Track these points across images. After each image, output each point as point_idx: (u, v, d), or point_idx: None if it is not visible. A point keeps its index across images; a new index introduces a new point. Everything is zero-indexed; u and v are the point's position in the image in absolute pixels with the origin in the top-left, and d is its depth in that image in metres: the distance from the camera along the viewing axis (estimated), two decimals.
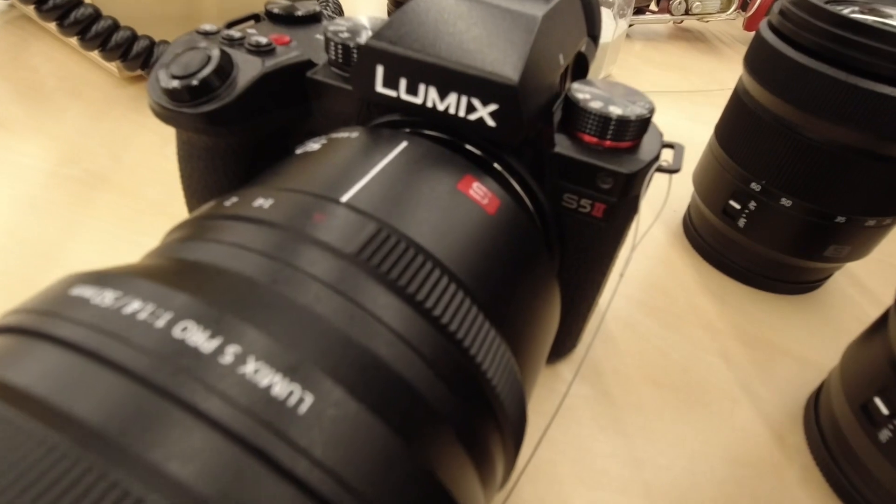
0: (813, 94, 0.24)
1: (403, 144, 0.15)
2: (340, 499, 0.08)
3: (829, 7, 0.24)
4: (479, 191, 0.15)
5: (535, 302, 0.15)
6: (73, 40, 0.34)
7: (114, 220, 0.30)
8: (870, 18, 0.25)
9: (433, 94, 0.16)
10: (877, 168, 0.25)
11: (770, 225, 0.28)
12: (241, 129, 0.20)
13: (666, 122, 0.47)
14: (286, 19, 0.24)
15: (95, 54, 0.35)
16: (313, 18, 0.24)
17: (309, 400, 0.09)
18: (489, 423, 0.13)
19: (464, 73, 0.15)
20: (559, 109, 0.19)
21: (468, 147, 0.17)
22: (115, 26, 0.34)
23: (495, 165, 0.18)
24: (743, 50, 0.61)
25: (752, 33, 0.60)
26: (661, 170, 0.18)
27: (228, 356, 0.08)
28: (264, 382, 0.08)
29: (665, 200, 0.19)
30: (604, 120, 0.18)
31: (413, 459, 0.10)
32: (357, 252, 0.12)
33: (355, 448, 0.09)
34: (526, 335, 0.15)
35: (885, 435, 0.19)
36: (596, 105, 0.18)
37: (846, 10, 0.25)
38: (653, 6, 0.63)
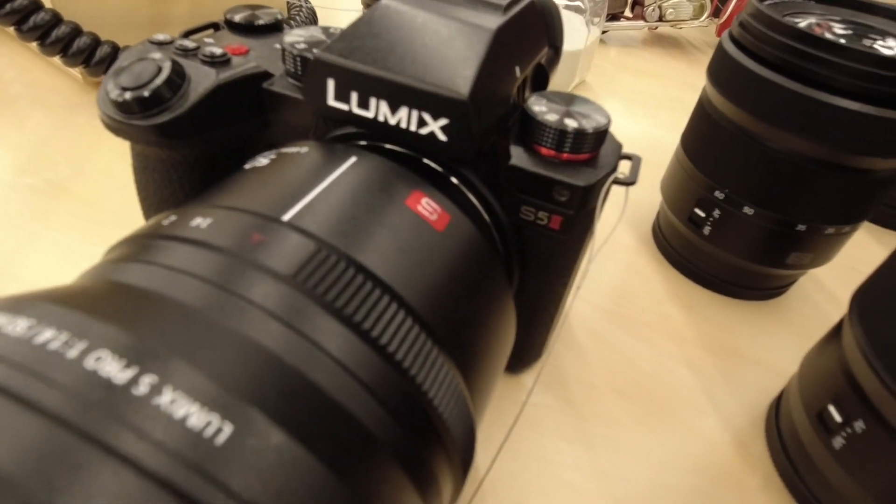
0: (772, 106, 0.25)
1: (352, 160, 0.15)
2: None
3: (787, 20, 0.24)
4: (429, 207, 0.15)
5: (487, 319, 0.15)
6: (34, 45, 0.33)
7: (73, 232, 0.29)
8: (830, 33, 0.26)
9: (384, 108, 0.16)
10: (836, 178, 0.25)
11: (733, 233, 0.28)
12: (195, 141, 0.19)
13: (639, 130, 0.48)
14: (246, 28, 0.23)
15: (58, 60, 0.34)
16: (274, 28, 0.24)
17: (228, 430, 0.08)
18: (436, 449, 0.13)
19: (413, 87, 0.15)
20: (517, 122, 0.19)
21: (425, 161, 0.17)
22: (77, 31, 0.33)
23: (452, 179, 0.18)
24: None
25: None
26: (617, 182, 0.18)
27: (143, 387, 0.08)
28: (180, 413, 0.08)
29: (623, 210, 0.19)
30: (560, 133, 0.18)
31: (347, 493, 0.10)
32: (295, 273, 0.11)
33: (279, 481, 0.09)
34: (476, 354, 0.15)
35: (838, 442, 0.19)
36: (552, 118, 0.18)
37: (804, 23, 0.26)
38: (627, 13, 0.64)
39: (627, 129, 0.47)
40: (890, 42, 0.25)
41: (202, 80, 0.19)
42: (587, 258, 0.20)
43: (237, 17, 0.24)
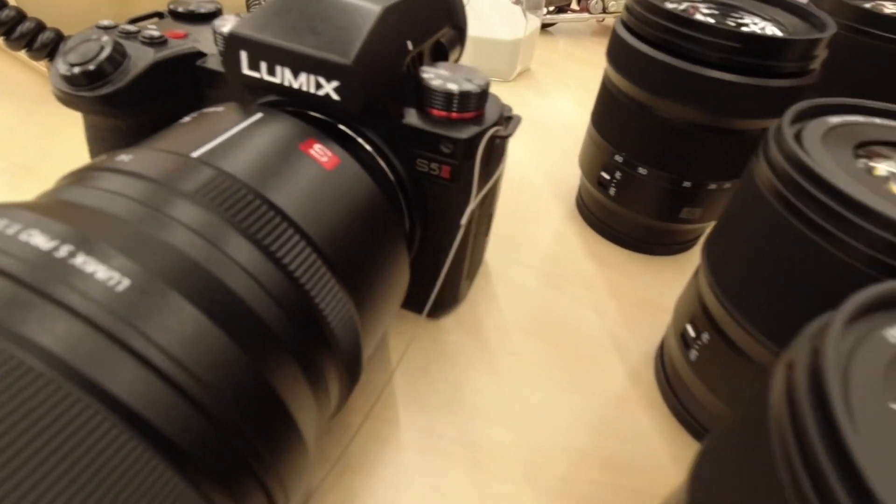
0: (655, 79, 0.28)
1: (259, 115, 0.18)
2: (148, 351, 0.11)
3: (660, 3, 0.28)
4: (321, 151, 0.18)
5: (374, 247, 0.18)
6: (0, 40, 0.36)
7: None
8: (699, 14, 0.29)
9: (288, 74, 0.19)
10: (713, 139, 0.29)
11: (633, 192, 0.32)
12: (137, 111, 0.22)
13: (576, 113, 0.51)
14: (188, 17, 0.27)
15: (23, 54, 0.37)
16: (213, 16, 0.27)
17: (126, 283, 0.12)
18: (326, 355, 0.16)
19: (309, 55, 0.18)
20: (413, 88, 0.22)
21: (328, 119, 0.21)
22: (41, 27, 0.36)
23: (350, 133, 0.21)
24: None
25: None
26: (496, 136, 0.22)
27: (62, 252, 0.11)
28: (89, 269, 0.11)
29: (501, 167, 0.23)
30: (447, 95, 0.21)
31: (250, 366, 0.13)
32: (200, 194, 0.15)
33: (188, 337, 0.12)
34: (363, 277, 0.18)
35: (693, 354, 0.23)
36: (438, 83, 0.21)
37: (678, 7, 0.30)
38: (574, 5, 0.67)
39: (567, 112, 0.50)
40: (747, 19, 0.29)
41: (141, 57, 0.22)
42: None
43: (180, 8, 0.27)
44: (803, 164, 0.17)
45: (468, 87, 0.21)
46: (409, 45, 0.22)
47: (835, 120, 0.20)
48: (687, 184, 0.30)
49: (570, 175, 0.40)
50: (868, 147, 0.19)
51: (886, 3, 0.38)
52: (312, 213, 0.16)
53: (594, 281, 0.33)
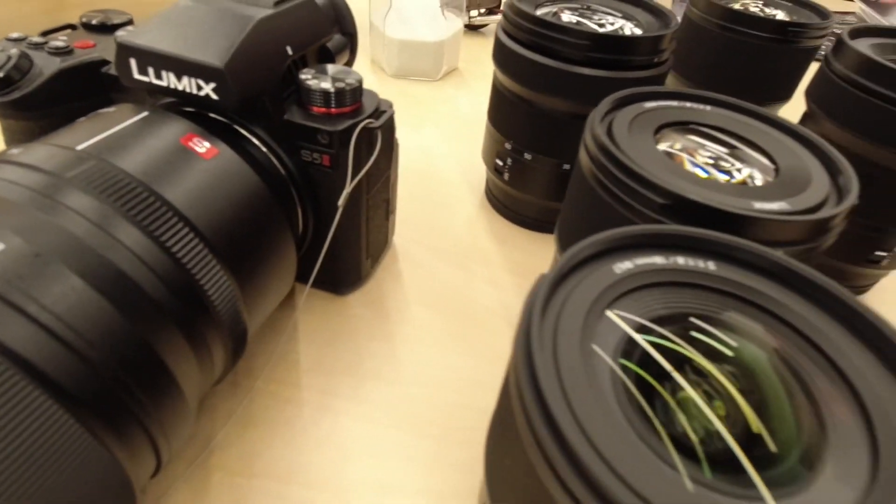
0: (531, 76, 0.32)
1: (144, 114, 0.21)
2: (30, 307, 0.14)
3: (530, 10, 0.31)
4: (199, 143, 0.21)
5: (251, 225, 0.21)
6: None
7: None
8: (564, 17, 0.33)
9: (172, 77, 0.22)
10: (582, 126, 0.32)
11: (523, 176, 0.35)
12: (47, 113, 0.25)
13: None
14: (99, 28, 0.29)
15: None
16: (124, 27, 0.30)
17: (13, 253, 0.14)
18: (207, 322, 0.19)
19: (188, 60, 0.21)
20: (296, 89, 0.25)
21: (218, 117, 0.23)
22: None
23: (241, 131, 0.24)
24: None
25: None
26: (367, 127, 0.25)
27: None
28: None
29: (374, 154, 0.26)
30: (323, 93, 0.24)
31: (132, 332, 0.16)
32: (78, 177, 0.17)
33: (70, 302, 0.15)
34: (243, 254, 0.21)
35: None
36: (314, 83, 0.24)
37: (544, 12, 0.33)
38: (503, 7, 0.71)
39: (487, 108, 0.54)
40: (608, 19, 0.33)
41: (47, 66, 0.24)
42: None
43: (93, 20, 0.29)
44: (601, 142, 0.21)
45: (341, 85, 0.24)
46: (289, 51, 0.25)
47: (649, 105, 0.24)
48: (566, 166, 0.34)
49: (483, 166, 0.43)
50: (664, 128, 0.23)
51: (750, 3, 0.43)
52: (189, 196, 0.19)
53: (494, 259, 0.36)
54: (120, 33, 0.25)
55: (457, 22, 0.56)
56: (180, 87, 0.22)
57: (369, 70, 0.58)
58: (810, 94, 0.33)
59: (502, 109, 0.35)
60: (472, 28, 0.66)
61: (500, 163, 0.36)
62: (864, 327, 0.14)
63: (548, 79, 0.31)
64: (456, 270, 0.35)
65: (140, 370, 0.17)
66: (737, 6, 0.42)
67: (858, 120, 0.30)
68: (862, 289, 0.37)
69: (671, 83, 0.46)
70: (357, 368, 0.28)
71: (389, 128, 0.28)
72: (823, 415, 0.13)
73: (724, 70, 0.41)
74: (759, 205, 0.19)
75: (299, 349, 0.29)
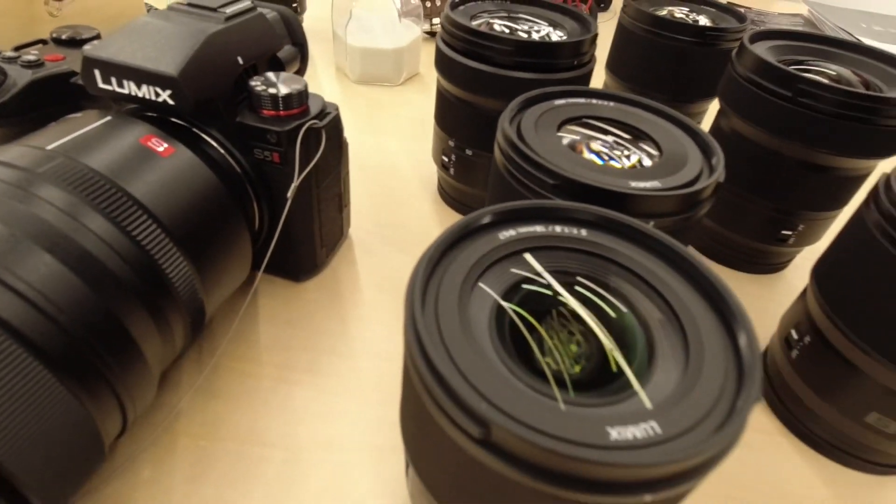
0: (468, 80, 0.35)
1: (108, 118, 0.24)
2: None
3: (463, 21, 0.34)
4: (157, 143, 0.24)
5: (206, 214, 0.24)
6: None
7: None
8: (496, 26, 0.36)
9: (133, 86, 0.25)
10: None
11: (466, 170, 0.39)
12: (22, 121, 0.28)
13: None
14: (68, 42, 0.32)
15: None
16: (91, 41, 0.32)
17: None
18: (167, 300, 0.22)
19: (146, 70, 0.24)
20: (247, 95, 0.28)
21: (174, 120, 0.26)
22: None
23: (199, 133, 0.27)
24: None
25: None
26: (312, 127, 0.28)
27: None
28: None
29: (320, 150, 0.29)
30: (271, 98, 0.27)
31: (99, 302, 0.19)
32: (48, 172, 0.20)
33: (42, 275, 0.18)
34: (199, 237, 0.24)
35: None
36: (261, 89, 0.27)
37: (478, 22, 0.37)
38: None
39: None
40: (536, 27, 0.36)
41: (20, 77, 0.27)
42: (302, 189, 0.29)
43: (63, 35, 0.32)
44: (507, 135, 0.24)
45: (287, 90, 0.27)
46: (240, 60, 0.28)
47: (558, 102, 0.27)
48: None
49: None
50: (568, 122, 0.26)
51: (676, 10, 0.47)
52: (148, 188, 0.22)
53: None
54: (86, 47, 0.28)
55: (415, 30, 0.60)
56: (140, 95, 0.25)
57: (334, 77, 0.61)
58: (720, 92, 0.37)
59: (446, 111, 0.38)
60: (432, 35, 0.70)
61: (446, 159, 0.39)
62: (687, 267, 0.17)
63: (483, 82, 0.34)
64: (406, 258, 0.38)
65: (106, 336, 0.20)
66: (663, 13, 0.46)
67: (757, 114, 0.34)
68: (778, 266, 0.41)
69: (611, 84, 0.50)
70: (313, 345, 0.31)
71: (336, 127, 0.31)
72: (654, 337, 0.16)
73: (654, 71, 0.45)
74: (634, 183, 0.22)
75: (260, 330, 0.31)
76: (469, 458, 0.14)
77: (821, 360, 0.27)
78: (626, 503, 0.13)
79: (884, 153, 0.32)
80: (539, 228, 0.19)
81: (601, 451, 0.12)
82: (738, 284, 0.39)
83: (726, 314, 0.16)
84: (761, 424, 0.30)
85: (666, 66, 0.44)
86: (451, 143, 0.38)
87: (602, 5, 0.87)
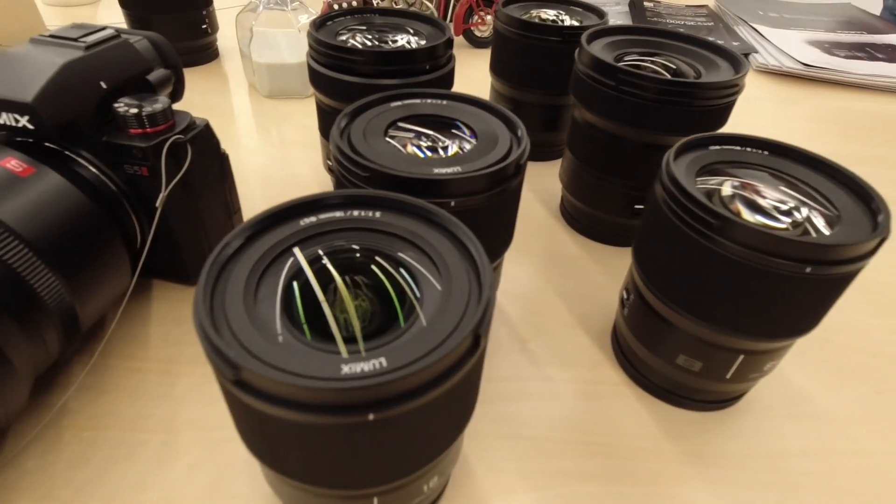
0: (337, 91, 0.38)
1: None
2: None
3: (326, 38, 0.38)
4: (16, 164, 0.26)
5: (72, 230, 0.27)
6: None
7: None
8: (361, 41, 0.40)
9: None
10: None
11: None
12: None
13: None
14: None
15: None
16: None
17: None
18: (37, 312, 0.25)
19: (3, 99, 0.27)
20: (115, 116, 0.31)
21: (47, 144, 0.29)
22: None
23: (68, 154, 0.29)
24: (456, 52, 0.77)
25: (461, 37, 0.77)
26: (176, 141, 0.31)
27: None
28: None
29: (187, 162, 0.32)
30: (135, 117, 0.30)
31: None
32: None
33: None
34: (68, 252, 0.26)
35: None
36: (124, 109, 0.30)
37: (343, 38, 0.40)
38: None
39: None
40: (396, 37, 0.40)
41: None
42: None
43: None
44: (335, 140, 0.27)
45: (149, 109, 0.30)
46: (103, 85, 0.30)
47: (395, 104, 0.31)
48: None
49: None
50: (398, 122, 0.29)
51: (543, 12, 0.51)
52: (9, 207, 0.25)
53: None
54: None
55: None
56: (2, 122, 0.27)
57: (247, 93, 0.63)
58: (570, 86, 0.41)
59: (325, 121, 0.41)
60: None
61: (331, 164, 0.42)
62: (446, 225, 0.21)
63: (350, 92, 0.37)
64: None
65: None
66: (532, 16, 0.50)
67: (595, 103, 0.38)
68: None
69: (495, 85, 0.54)
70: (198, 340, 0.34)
71: (206, 141, 0.34)
72: (422, 284, 0.19)
73: (528, 70, 0.49)
74: (437, 170, 0.25)
75: (150, 330, 0.34)
76: (237, 400, 0.17)
77: (641, 314, 0.31)
78: (350, 422, 0.16)
79: (703, 129, 0.37)
80: (338, 214, 0.22)
81: (324, 381, 0.16)
82: (605, 256, 0.43)
83: (473, 254, 0.20)
84: (610, 378, 0.34)
85: (537, 65, 0.48)
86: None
87: None
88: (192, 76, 0.69)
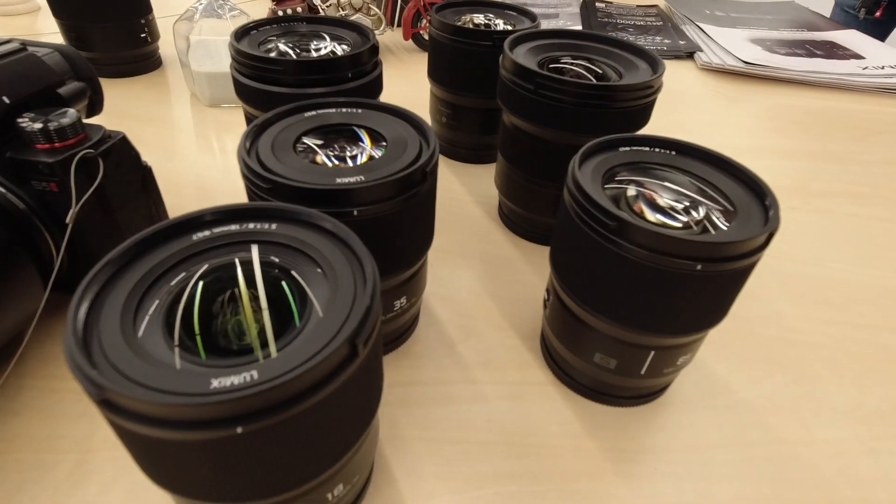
0: (263, 102, 0.37)
1: None
2: None
3: (248, 49, 0.37)
4: None
5: None
6: None
7: None
8: (284, 50, 0.40)
9: None
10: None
11: None
12: None
13: None
14: None
15: None
16: None
17: None
18: None
19: None
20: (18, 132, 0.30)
21: None
22: None
23: None
24: (405, 55, 0.77)
25: (410, 41, 0.78)
26: (85, 156, 0.30)
27: None
28: None
29: (99, 176, 0.31)
30: (40, 132, 0.29)
31: None
32: None
33: None
34: None
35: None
36: (27, 124, 0.29)
37: (266, 48, 0.40)
38: None
39: None
40: (320, 44, 0.40)
41: None
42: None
43: None
44: (239, 153, 0.27)
45: (55, 124, 0.30)
46: (6, 100, 0.30)
47: (308, 114, 0.31)
48: None
49: None
50: (310, 132, 0.29)
51: (475, 17, 0.51)
52: None
53: None
54: None
55: None
56: None
57: (189, 102, 0.63)
58: (497, 90, 0.41)
59: None
60: None
61: None
62: (338, 233, 0.21)
63: (274, 102, 0.37)
64: None
65: None
66: (463, 22, 0.50)
67: (519, 107, 0.38)
68: None
69: (433, 90, 0.54)
70: None
71: (124, 152, 0.33)
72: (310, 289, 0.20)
73: (462, 74, 0.49)
74: (340, 180, 0.26)
75: None
76: (113, 422, 0.17)
77: (559, 315, 0.31)
78: (220, 436, 0.16)
79: (622, 129, 0.37)
80: (234, 227, 0.22)
81: (188, 397, 0.16)
82: (540, 257, 0.44)
83: (362, 263, 0.20)
84: (537, 378, 0.35)
85: (470, 70, 0.49)
86: None
87: None
88: (133, 86, 0.68)
